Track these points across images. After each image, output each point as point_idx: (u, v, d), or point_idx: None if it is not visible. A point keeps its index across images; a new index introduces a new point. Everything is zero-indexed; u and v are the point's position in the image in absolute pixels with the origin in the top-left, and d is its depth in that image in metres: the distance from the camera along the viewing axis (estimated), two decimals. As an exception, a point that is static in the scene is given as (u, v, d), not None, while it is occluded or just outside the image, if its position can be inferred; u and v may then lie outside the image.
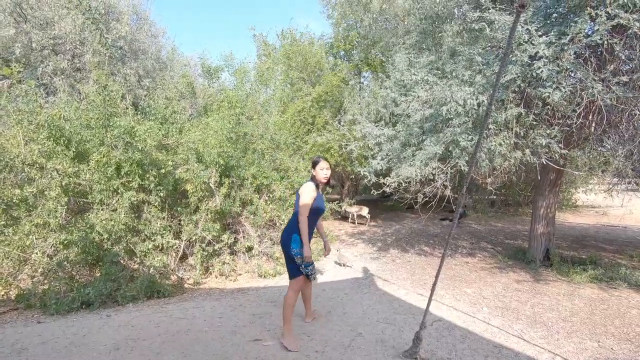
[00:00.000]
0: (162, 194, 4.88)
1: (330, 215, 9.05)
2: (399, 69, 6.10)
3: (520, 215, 11.55)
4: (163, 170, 4.99)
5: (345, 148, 6.57)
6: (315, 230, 3.28)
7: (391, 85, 6.13)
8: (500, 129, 4.12)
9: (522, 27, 3.94)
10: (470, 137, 4.38)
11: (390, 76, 6.38)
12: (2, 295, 4.47)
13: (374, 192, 5.27)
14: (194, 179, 4.94)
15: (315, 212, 3.03)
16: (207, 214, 5.13)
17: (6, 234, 4.42)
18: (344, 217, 10.57)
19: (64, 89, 6.05)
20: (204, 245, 5.16)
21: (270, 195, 6.20)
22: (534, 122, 4.10)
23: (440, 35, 5.83)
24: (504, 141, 4.01)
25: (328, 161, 3.06)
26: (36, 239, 4.58)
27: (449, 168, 4.65)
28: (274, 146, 6.51)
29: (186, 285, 5.16)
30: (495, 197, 11.17)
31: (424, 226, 9.40)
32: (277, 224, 6.16)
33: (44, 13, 6.14)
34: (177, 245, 5.06)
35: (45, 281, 4.61)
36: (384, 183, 5.04)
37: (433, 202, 4.97)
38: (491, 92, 4.14)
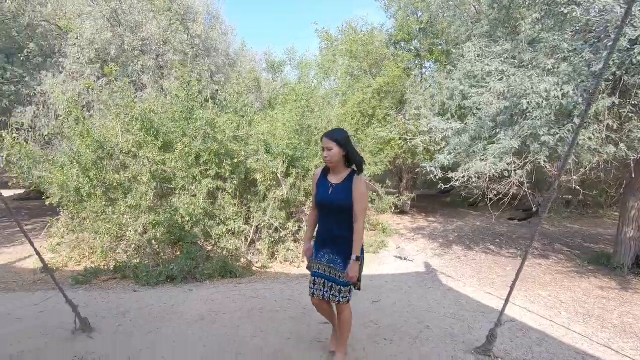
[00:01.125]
0: (235, 182, 5.24)
1: (389, 209, 8.97)
2: (468, 59, 5.83)
3: (602, 218, 10.42)
4: (235, 160, 5.34)
5: (411, 142, 6.45)
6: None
7: (460, 77, 5.87)
8: (589, 122, 3.78)
9: (621, 7, 3.56)
10: (552, 130, 4.08)
11: (458, 66, 6.12)
12: (104, 265, 5.16)
13: (441, 186, 5.14)
14: (264, 168, 5.24)
15: (318, 206, 2.39)
16: (274, 202, 5.41)
17: (107, 213, 5.08)
18: (403, 212, 10.43)
19: (150, 85, 6.74)
20: (271, 231, 5.46)
21: (333, 187, 6.33)
22: (631, 114, 3.69)
23: (517, 23, 5.45)
24: (593, 135, 3.68)
25: (332, 138, 2.18)
26: (129, 218, 5.21)
27: (525, 163, 4.38)
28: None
29: (254, 268, 5.52)
30: (571, 196, 10.20)
31: (488, 224, 8.93)
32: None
33: (135, 17, 6.86)
34: (247, 230, 5.42)
35: (137, 256, 5.23)
36: (452, 178, 4.89)
37: (505, 200, 4.72)
38: (579, 81, 3.81)
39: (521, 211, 9.68)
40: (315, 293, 2.40)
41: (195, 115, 5.07)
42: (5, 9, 6.65)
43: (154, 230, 5.02)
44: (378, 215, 8.28)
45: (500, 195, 4.73)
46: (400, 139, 7.63)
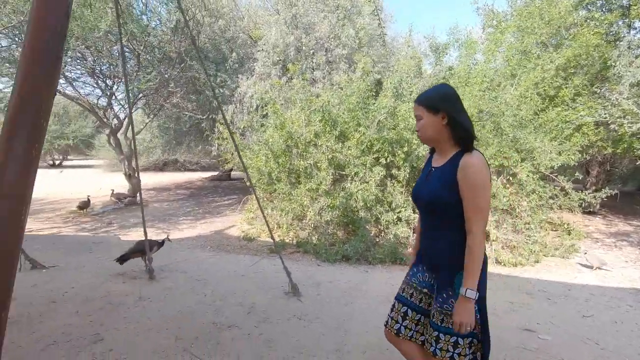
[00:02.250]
0: (407, 170, 5.24)
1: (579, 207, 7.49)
2: None
3: None
4: (406, 149, 5.33)
5: (629, 127, 5.15)
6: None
7: None
8: None
9: None
10: None
11: None
12: (289, 240, 5.98)
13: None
14: (436, 157, 5.06)
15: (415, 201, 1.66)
16: (445, 193, 5.19)
17: (293, 194, 5.84)
18: (591, 211, 8.56)
19: (320, 79, 7.38)
20: (441, 222, 5.27)
21: (510, 179, 5.66)
22: None
23: None
24: None
25: (421, 101, 1.48)
26: (309, 200, 5.85)
27: None
28: (516, 124, 5.84)
29: (420, 258, 5.45)
30: None
31: None
32: (517, 210, 5.59)
33: (309, 19, 7.57)
34: (416, 219, 5.37)
35: (315, 234, 5.86)
36: None
37: None
38: None
39: None
40: (389, 322, 1.63)
41: (374, 105, 5.27)
42: (216, 28, 8.36)
43: (330, 213, 5.50)
44: (561, 214, 7.01)
45: None
46: (594, 123, 6.18)
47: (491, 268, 5.07)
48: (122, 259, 3.88)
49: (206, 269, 4.49)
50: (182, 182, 14.97)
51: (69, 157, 27.28)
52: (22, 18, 5.83)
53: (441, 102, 1.43)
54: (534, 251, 5.33)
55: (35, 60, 1.53)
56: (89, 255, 4.92)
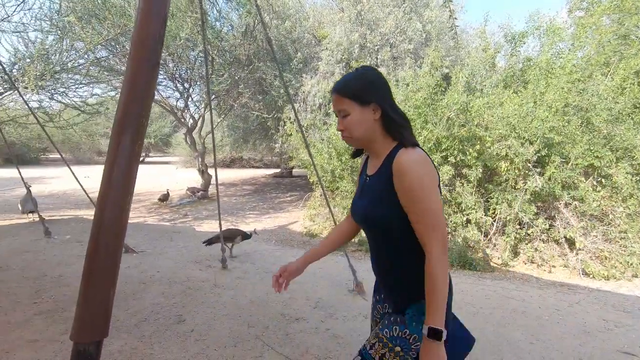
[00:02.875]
0: (480, 170, 4.92)
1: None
2: None
3: None
4: (478, 147, 4.99)
5: None
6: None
7: None
8: None
9: None
10: None
11: None
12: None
13: None
14: (514, 156, 4.67)
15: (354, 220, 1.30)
16: (524, 194, 4.76)
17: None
18: None
19: (386, 76, 7.24)
20: (517, 226, 4.87)
21: (602, 181, 5.02)
22: None
23: None
24: None
25: (345, 91, 1.10)
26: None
27: None
28: (611, 118, 5.15)
29: (492, 264, 5.09)
30: None
31: None
32: (610, 216, 4.94)
33: (374, 15, 7.47)
34: (489, 222, 5.02)
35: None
36: None
37: None
38: None
39: None
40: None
41: (443, 101, 5.02)
42: (282, 29, 8.65)
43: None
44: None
45: None
46: None
47: (577, 280, 4.56)
48: (209, 242, 4.33)
49: (273, 262, 4.67)
50: (247, 178, 15.78)
51: (150, 154, 30.36)
52: (117, 31, 6.60)
53: (372, 91, 1.10)
54: (632, 264, 4.67)
55: (139, 68, 1.69)
56: (169, 243, 5.42)
